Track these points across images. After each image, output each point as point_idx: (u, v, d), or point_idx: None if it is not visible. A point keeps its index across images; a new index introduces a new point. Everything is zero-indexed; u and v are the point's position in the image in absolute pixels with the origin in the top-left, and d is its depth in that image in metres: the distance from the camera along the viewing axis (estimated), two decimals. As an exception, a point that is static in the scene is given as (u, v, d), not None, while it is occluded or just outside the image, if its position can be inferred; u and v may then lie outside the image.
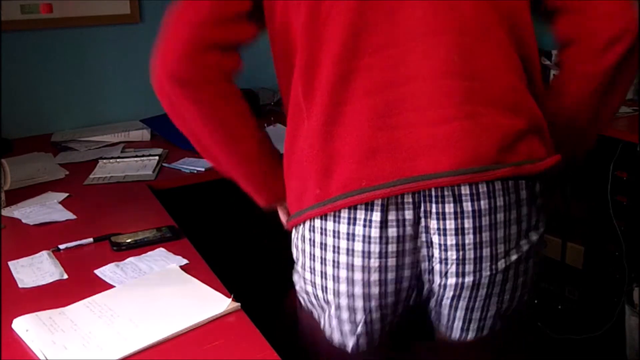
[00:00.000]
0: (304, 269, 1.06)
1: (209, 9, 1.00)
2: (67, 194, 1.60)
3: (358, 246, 0.98)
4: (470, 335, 1.06)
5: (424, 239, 0.98)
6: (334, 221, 0.99)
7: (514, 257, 1.00)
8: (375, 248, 0.97)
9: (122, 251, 1.28)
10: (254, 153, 1.12)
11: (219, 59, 1.02)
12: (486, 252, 0.97)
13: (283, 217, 1.18)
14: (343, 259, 0.99)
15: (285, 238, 1.16)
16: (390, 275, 0.99)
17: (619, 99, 1.12)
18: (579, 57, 1.05)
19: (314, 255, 1.03)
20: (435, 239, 0.97)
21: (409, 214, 0.96)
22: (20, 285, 1.16)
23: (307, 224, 1.03)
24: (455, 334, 1.07)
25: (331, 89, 0.97)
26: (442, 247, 0.97)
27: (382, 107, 0.95)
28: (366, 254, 0.98)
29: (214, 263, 1.21)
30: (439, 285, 1.01)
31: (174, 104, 1.07)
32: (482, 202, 0.95)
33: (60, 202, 1.55)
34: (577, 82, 1.07)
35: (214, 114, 1.07)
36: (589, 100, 1.08)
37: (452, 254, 0.97)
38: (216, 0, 1.00)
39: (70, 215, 1.47)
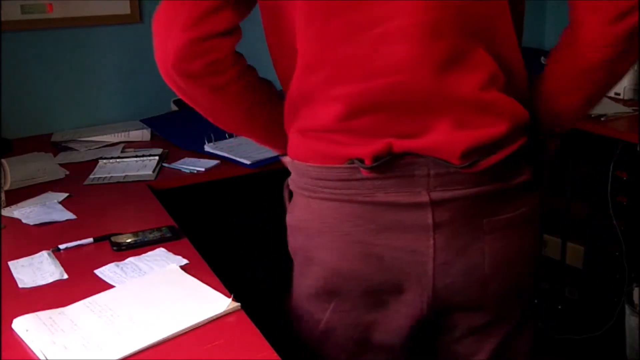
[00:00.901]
0: None
1: (192, 6, 0.99)
2: (67, 194, 1.59)
3: None
4: None
5: None
6: None
7: None
8: None
9: (122, 251, 1.28)
10: (275, 118, 1.15)
11: (218, 44, 1.01)
12: None
13: None
14: None
15: (284, 237, 1.15)
16: None
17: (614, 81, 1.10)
18: (587, 34, 1.01)
19: None
20: None
21: None
22: (20, 285, 1.16)
23: None
24: None
25: None
26: None
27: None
28: None
29: (214, 263, 1.21)
30: None
31: (185, 91, 1.09)
32: None
33: (60, 202, 1.55)
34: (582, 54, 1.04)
35: (227, 97, 1.09)
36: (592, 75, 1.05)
37: None
38: None
39: (70, 215, 1.47)
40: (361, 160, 1.00)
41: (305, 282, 1.13)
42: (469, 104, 1.00)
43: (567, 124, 1.19)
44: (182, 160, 1.84)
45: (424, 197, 1.01)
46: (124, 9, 2.16)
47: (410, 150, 1.00)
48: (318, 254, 1.08)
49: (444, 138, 0.99)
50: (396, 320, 1.10)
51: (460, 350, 1.16)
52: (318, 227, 1.07)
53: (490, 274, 1.07)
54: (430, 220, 1.02)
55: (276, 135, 1.17)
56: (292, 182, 1.12)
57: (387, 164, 1.00)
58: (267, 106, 1.15)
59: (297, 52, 1.04)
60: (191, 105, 1.12)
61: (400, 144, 1.00)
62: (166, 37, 1.02)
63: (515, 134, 1.03)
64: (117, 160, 1.84)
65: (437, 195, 1.01)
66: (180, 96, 1.11)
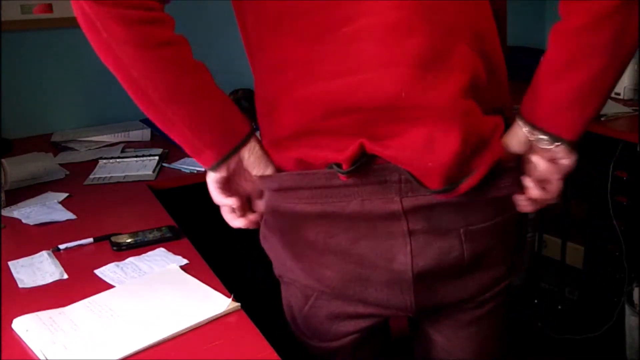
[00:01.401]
0: None
1: None
2: (67, 194, 1.60)
3: None
4: None
5: None
6: None
7: None
8: None
9: (122, 251, 1.28)
10: (200, 85, 1.04)
11: None
12: None
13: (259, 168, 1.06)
14: None
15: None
16: None
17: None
18: None
19: None
20: None
21: None
22: (20, 285, 1.16)
23: None
24: None
25: None
26: None
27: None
28: None
29: (214, 263, 1.21)
30: None
31: (98, 30, 0.99)
32: None
33: (60, 202, 1.55)
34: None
35: (144, 36, 0.99)
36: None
37: None
38: None
39: (70, 215, 1.48)
40: (339, 165, 0.98)
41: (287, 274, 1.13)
42: (444, 109, 0.94)
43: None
44: (182, 160, 1.84)
45: (396, 205, 0.99)
46: (124, 9, 2.16)
47: (381, 156, 0.97)
48: (297, 264, 1.08)
49: (416, 154, 0.95)
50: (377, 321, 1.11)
51: (439, 338, 1.19)
52: (297, 237, 1.05)
53: (470, 273, 1.05)
54: (405, 228, 1.00)
55: (202, 130, 1.06)
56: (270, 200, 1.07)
57: (363, 168, 0.98)
58: (194, 80, 1.04)
59: (265, 54, 1.01)
60: (101, 52, 1.03)
61: (372, 147, 0.97)
62: None
63: (493, 145, 0.98)
64: (117, 160, 1.84)
65: (409, 202, 0.99)
66: (90, 37, 1.01)
